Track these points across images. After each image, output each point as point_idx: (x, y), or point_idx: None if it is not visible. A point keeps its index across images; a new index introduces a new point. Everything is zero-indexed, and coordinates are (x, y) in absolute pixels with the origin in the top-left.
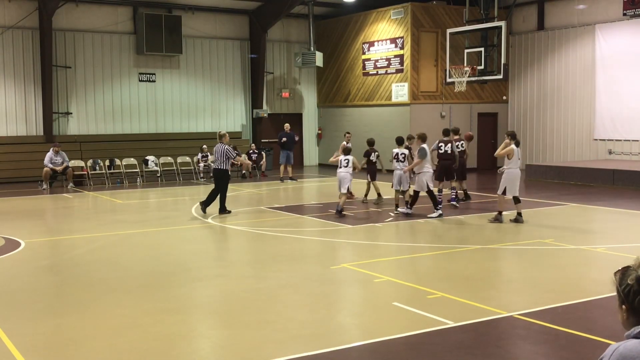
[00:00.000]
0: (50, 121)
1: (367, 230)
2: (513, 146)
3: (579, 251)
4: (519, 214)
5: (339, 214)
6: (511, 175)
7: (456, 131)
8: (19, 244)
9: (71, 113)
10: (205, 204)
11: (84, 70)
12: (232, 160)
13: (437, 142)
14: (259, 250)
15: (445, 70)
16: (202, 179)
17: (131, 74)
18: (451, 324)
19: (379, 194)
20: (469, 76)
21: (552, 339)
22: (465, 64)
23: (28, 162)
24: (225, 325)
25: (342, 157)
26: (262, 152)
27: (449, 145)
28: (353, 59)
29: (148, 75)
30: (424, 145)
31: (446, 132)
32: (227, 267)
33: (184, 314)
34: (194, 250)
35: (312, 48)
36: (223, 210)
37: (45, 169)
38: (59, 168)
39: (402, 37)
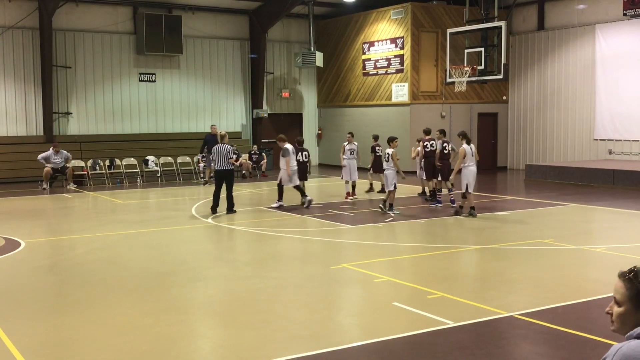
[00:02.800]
0: (50, 121)
1: (367, 230)
2: (465, 145)
3: (579, 251)
4: (472, 207)
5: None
6: (467, 172)
7: (428, 132)
8: (19, 244)
9: (71, 113)
10: (215, 209)
11: (84, 70)
12: (231, 161)
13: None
14: (259, 250)
15: (446, 70)
16: (202, 179)
17: (131, 74)
18: (451, 324)
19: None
20: (469, 76)
21: (552, 339)
22: (465, 64)
23: (28, 162)
24: (225, 326)
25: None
26: (263, 153)
27: (433, 143)
28: (353, 59)
29: (148, 75)
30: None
31: (428, 132)
32: (227, 267)
33: (184, 314)
34: (194, 250)
35: (312, 48)
36: (231, 208)
37: (46, 168)
38: (61, 166)
39: (402, 37)
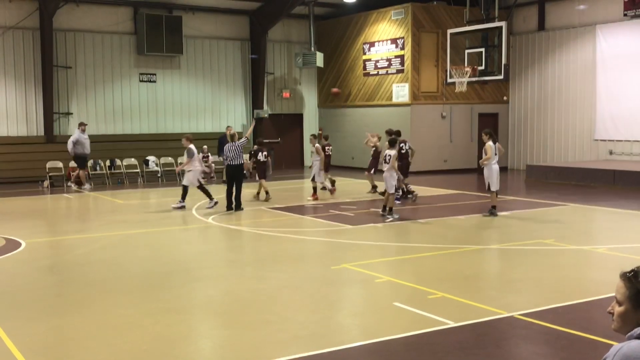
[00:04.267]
0: (51, 121)
1: (368, 230)
2: (490, 143)
3: (580, 251)
4: (494, 206)
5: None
6: (490, 170)
7: (398, 133)
8: (19, 244)
9: (72, 113)
10: (230, 207)
11: (85, 71)
12: (245, 164)
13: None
14: (260, 251)
15: (446, 70)
16: (203, 180)
17: (132, 74)
18: (452, 324)
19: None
20: (469, 76)
21: (553, 339)
22: (466, 65)
23: (29, 162)
24: (226, 326)
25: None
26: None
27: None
28: (354, 59)
29: (149, 76)
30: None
31: (398, 133)
32: (228, 267)
33: (184, 314)
34: (194, 251)
35: (312, 48)
36: (239, 206)
37: (81, 172)
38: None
39: (402, 38)
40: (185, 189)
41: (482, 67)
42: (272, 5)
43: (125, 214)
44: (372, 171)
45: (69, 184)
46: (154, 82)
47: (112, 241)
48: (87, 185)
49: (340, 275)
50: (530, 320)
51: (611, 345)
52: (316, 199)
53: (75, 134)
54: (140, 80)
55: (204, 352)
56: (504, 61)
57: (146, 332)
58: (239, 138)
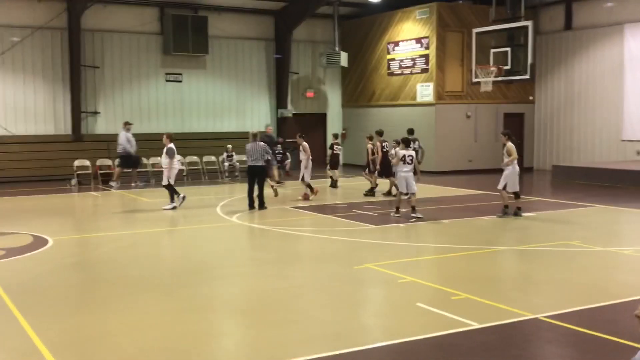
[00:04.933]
0: (78, 120)
1: (391, 230)
2: (511, 143)
3: (606, 253)
4: (506, 206)
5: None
6: (510, 171)
7: (381, 133)
8: (46, 242)
9: (99, 112)
10: (254, 205)
11: (112, 70)
12: (268, 157)
13: (386, 143)
14: (283, 249)
15: (471, 70)
16: (227, 178)
17: (158, 74)
18: (475, 325)
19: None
20: (495, 76)
21: (578, 342)
22: (491, 64)
23: (57, 161)
24: (249, 324)
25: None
26: (287, 152)
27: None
28: (378, 58)
29: (175, 75)
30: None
31: (411, 132)
32: (251, 265)
33: (207, 312)
34: (218, 249)
35: (337, 48)
36: (262, 205)
37: (117, 168)
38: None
39: (427, 37)
40: (170, 189)
41: (508, 67)
42: (297, 5)
43: (150, 212)
44: (374, 172)
45: (111, 182)
46: (180, 81)
47: (137, 239)
48: (114, 184)
49: (363, 275)
50: (555, 323)
51: (637, 349)
52: (306, 197)
53: (123, 132)
54: (166, 80)
55: (227, 350)
56: (530, 61)
57: (170, 329)
58: (262, 138)
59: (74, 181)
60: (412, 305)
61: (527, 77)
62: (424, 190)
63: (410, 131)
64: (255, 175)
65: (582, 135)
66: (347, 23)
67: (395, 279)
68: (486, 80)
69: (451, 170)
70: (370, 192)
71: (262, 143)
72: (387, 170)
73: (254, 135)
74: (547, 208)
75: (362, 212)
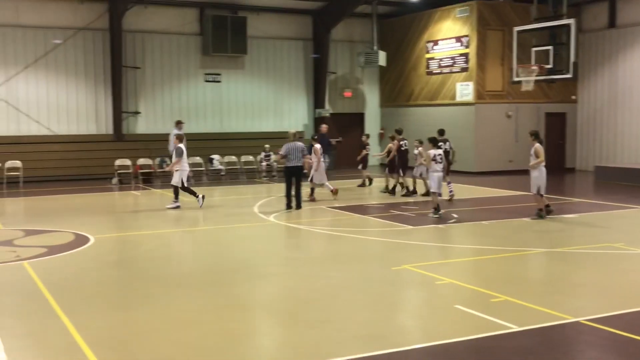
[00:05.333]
0: (119, 120)
1: (429, 231)
2: (539, 144)
3: None
4: (541, 209)
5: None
6: (539, 173)
7: (400, 132)
8: (88, 240)
9: (140, 112)
10: (291, 205)
11: (152, 71)
12: (305, 159)
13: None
14: (320, 249)
15: (512, 69)
16: (265, 178)
17: (197, 74)
18: (515, 328)
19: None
20: (536, 75)
21: (620, 347)
22: (532, 63)
23: (98, 160)
24: (286, 324)
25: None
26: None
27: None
28: (417, 57)
29: (214, 76)
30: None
31: (400, 132)
32: (288, 265)
33: (245, 311)
34: (255, 248)
35: (375, 47)
36: (299, 205)
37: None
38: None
39: (467, 36)
40: (176, 189)
41: (550, 66)
42: (336, 4)
43: (189, 212)
44: (397, 171)
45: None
46: (219, 82)
47: (177, 238)
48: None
49: (401, 276)
50: (596, 326)
51: None
52: (313, 199)
53: (175, 131)
54: (205, 81)
55: (264, 349)
56: (572, 59)
57: (208, 328)
58: (300, 137)
59: (114, 180)
60: (450, 307)
61: (569, 76)
62: (462, 190)
63: (441, 132)
64: (293, 175)
65: (626, 135)
66: (385, 22)
67: (433, 281)
68: (527, 80)
69: (491, 170)
70: (391, 191)
71: (300, 143)
72: (403, 168)
73: (293, 135)
74: (589, 210)
75: (399, 212)
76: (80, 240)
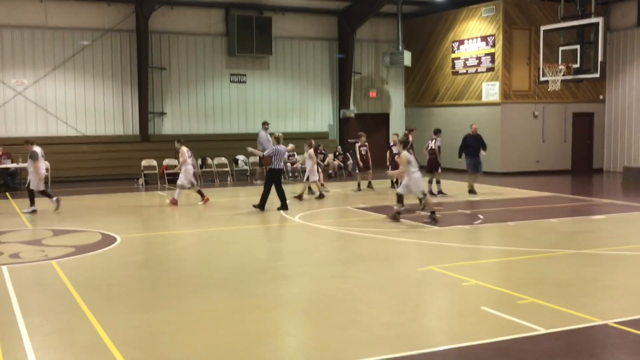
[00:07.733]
0: (145, 121)
1: (455, 232)
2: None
3: None
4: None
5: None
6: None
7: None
8: (115, 239)
9: (166, 113)
10: (282, 205)
11: (178, 72)
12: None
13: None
14: (344, 250)
15: (539, 68)
16: (290, 178)
17: (223, 75)
18: (542, 330)
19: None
20: (563, 75)
21: None
22: (559, 62)
23: (125, 160)
24: (311, 324)
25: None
26: (348, 153)
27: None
28: (442, 57)
29: (239, 76)
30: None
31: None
32: (313, 265)
33: (270, 311)
34: (280, 248)
35: (400, 47)
36: (286, 205)
37: (258, 169)
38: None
39: (493, 35)
40: (31, 193)
41: (577, 65)
42: (361, 4)
43: (215, 212)
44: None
45: (256, 179)
46: (244, 82)
47: (202, 238)
48: (259, 181)
49: (426, 277)
50: (625, 329)
51: None
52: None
53: (262, 132)
54: (230, 81)
55: (290, 350)
56: (600, 59)
57: (234, 327)
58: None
59: (140, 181)
60: (477, 309)
61: (597, 75)
62: (489, 191)
63: (436, 131)
64: (277, 178)
65: None
66: (411, 22)
67: (460, 282)
68: (554, 79)
69: (517, 171)
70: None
71: (283, 147)
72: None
73: (277, 139)
74: (617, 211)
75: (425, 212)
76: (107, 240)
